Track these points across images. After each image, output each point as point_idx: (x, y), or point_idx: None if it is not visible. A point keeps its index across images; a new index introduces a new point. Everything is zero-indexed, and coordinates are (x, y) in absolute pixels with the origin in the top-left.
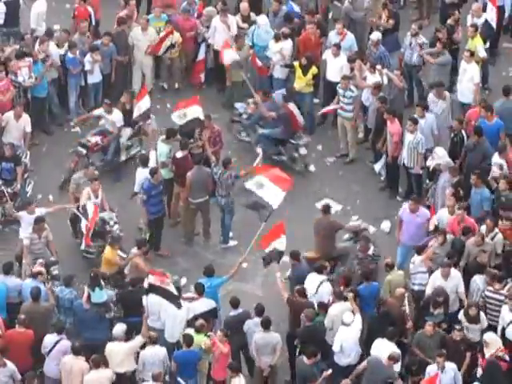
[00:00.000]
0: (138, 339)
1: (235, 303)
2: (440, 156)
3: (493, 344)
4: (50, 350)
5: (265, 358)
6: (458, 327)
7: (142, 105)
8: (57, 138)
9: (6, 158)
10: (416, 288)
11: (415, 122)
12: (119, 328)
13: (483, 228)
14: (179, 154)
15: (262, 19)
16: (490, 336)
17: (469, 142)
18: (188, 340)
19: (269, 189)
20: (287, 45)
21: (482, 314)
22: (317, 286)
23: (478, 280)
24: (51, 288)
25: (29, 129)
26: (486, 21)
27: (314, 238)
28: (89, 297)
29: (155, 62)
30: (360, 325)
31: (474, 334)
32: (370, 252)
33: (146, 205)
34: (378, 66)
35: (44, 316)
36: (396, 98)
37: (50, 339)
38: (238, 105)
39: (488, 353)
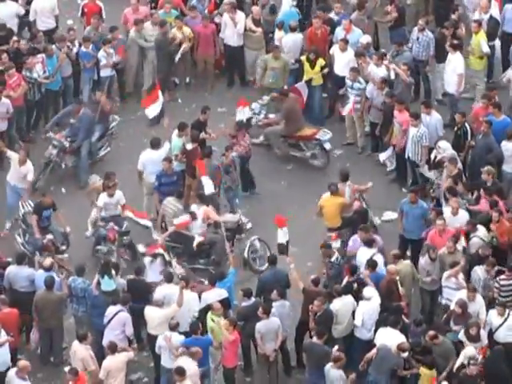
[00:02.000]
0: (173, 307)
1: (248, 293)
2: (444, 149)
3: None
4: (109, 321)
5: (268, 344)
6: (472, 361)
7: (157, 105)
8: None
9: (46, 206)
10: (443, 302)
11: (416, 116)
12: (160, 293)
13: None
14: (189, 146)
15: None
16: (471, 351)
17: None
18: (194, 327)
19: None
20: (291, 37)
21: (482, 331)
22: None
23: (479, 271)
24: (65, 278)
25: (31, 178)
26: (492, 16)
27: None
28: (99, 283)
29: None
30: (379, 299)
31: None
32: (333, 259)
33: (158, 191)
34: (386, 61)
35: (56, 304)
36: (402, 93)
37: (111, 309)
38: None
39: (475, 369)
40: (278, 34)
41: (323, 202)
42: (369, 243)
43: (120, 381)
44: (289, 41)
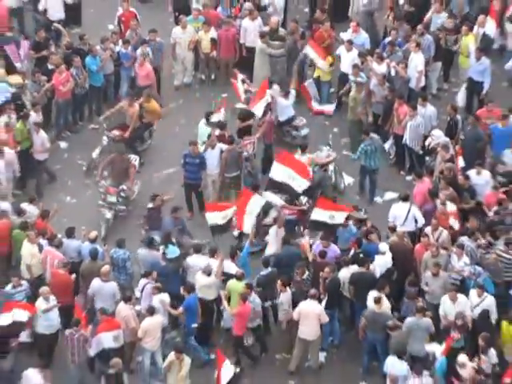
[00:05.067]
0: (212, 277)
1: (266, 263)
2: (437, 137)
3: (467, 364)
4: (141, 292)
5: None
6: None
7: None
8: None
9: None
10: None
11: (414, 107)
12: (207, 263)
13: (428, 229)
14: (217, 132)
15: None
16: (462, 358)
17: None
18: (189, 288)
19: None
20: None
21: (492, 349)
22: (405, 215)
23: (466, 241)
24: (108, 249)
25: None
26: (485, 33)
27: None
28: (164, 254)
29: (194, 57)
30: (390, 254)
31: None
32: (305, 276)
33: (183, 168)
34: (387, 60)
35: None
36: (401, 87)
37: (141, 282)
38: None
39: (465, 372)
40: None
41: None
42: (405, 198)
43: (156, 340)
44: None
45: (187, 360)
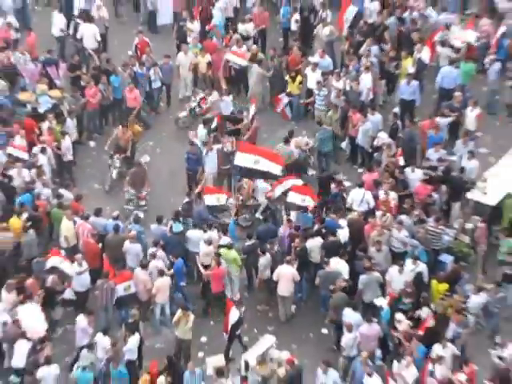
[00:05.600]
0: (211, 247)
1: (250, 236)
2: (383, 138)
3: (403, 321)
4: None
5: (267, 271)
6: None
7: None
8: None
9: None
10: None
11: (364, 115)
12: (209, 235)
13: (378, 214)
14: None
15: None
16: (399, 316)
17: (405, 130)
18: (177, 255)
19: (265, 164)
20: (250, 27)
21: (426, 307)
22: (361, 198)
23: (404, 218)
24: (127, 225)
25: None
26: (420, 58)
27: None
28: (171, 228)
29: (194, 76)
30: (348, 229)
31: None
32: (276, 249)
33: (186, 162)
34: (343, 78)
35: (121, 242)
36: (354, 99)
37: (150, 250)
38: None
39: (401, 327)
40: (243, 26)
41: None
42: (361, 185)
43: (166, 296)
44: (251, 29)
45: (192, 316)
